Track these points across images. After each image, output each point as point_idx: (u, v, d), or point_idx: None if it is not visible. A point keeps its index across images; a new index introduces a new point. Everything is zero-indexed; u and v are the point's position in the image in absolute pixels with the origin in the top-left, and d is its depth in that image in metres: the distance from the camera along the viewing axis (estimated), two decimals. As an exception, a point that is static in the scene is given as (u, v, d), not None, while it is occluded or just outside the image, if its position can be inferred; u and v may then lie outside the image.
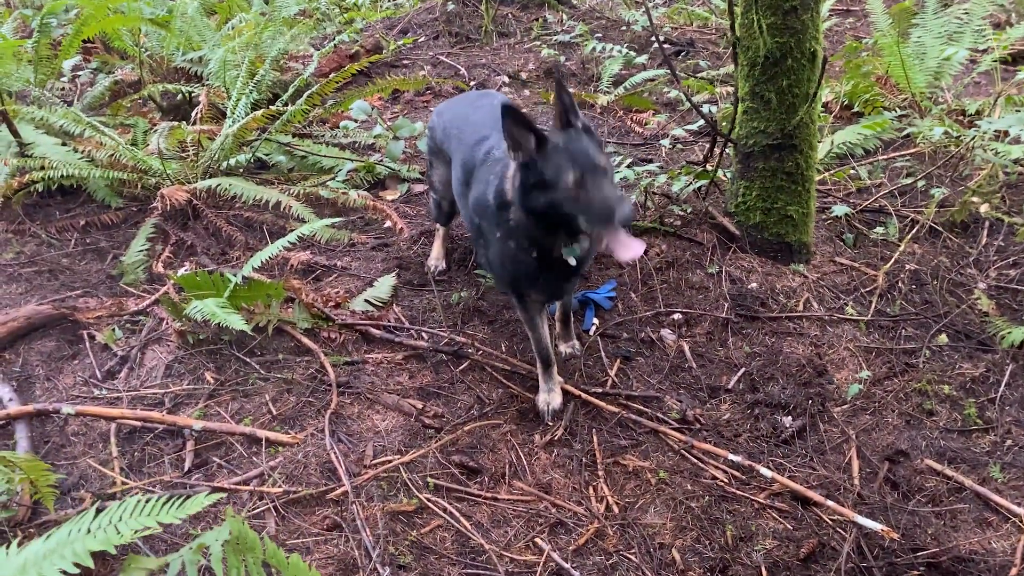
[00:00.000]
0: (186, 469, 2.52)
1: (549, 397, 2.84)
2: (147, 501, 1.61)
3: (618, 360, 3.08)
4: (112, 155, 4.12)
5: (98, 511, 1.63)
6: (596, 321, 3.21)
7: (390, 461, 2.56)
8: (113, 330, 3.20)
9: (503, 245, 2.63)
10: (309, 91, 4.29)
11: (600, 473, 2.62)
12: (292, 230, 3.90)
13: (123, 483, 2.44)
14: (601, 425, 2.81)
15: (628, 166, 3.91)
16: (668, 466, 2.66)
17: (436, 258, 3.64)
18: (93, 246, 3.92)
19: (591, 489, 2.57)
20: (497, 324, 3.25)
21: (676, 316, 3.27)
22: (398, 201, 4.37)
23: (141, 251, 3.75)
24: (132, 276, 3.64)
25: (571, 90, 5.55)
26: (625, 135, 5.05)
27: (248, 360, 3.05)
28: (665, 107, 5.51)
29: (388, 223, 4.03)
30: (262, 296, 3.19)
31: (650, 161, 4.61)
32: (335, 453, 2.56)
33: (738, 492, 2.56)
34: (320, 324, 3.23)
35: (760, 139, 3.31)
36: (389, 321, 3.28)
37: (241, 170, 4.32)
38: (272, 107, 4.12)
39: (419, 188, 4.49)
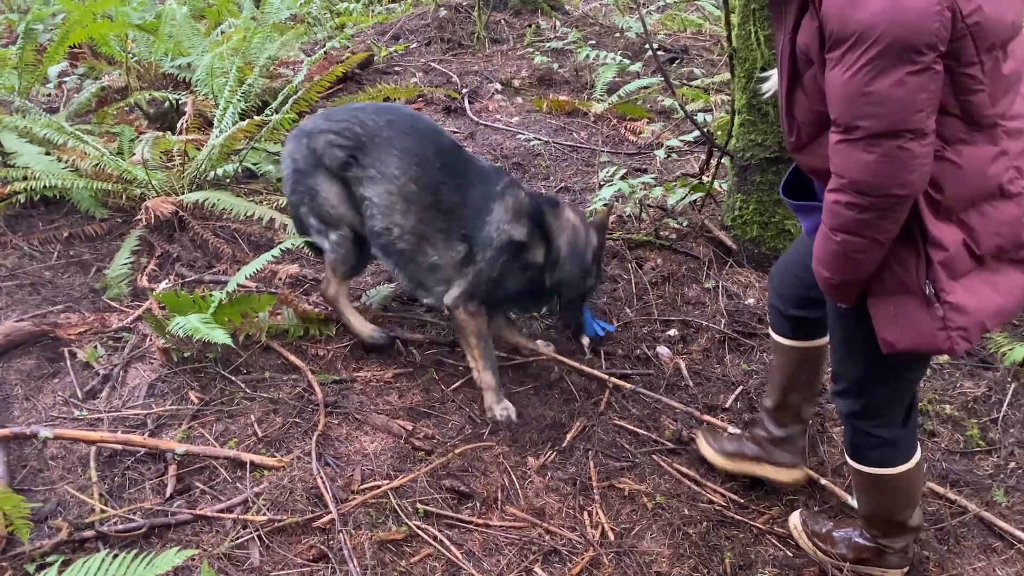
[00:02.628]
0: (168, 495, 2.43)
1: (505, 406, 2.84)
2: (113, 558, 1.52)
3: (612, 378, 3.01)
4: (97, 165, 4.03)
5: (62, 570, 1.55)
6: (586, 341, 3.13)
7: (379, 486, 2.49)
8: (95, 347, 3.12)
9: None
10: (294, 97, 4.22)
11: (595, 497, 2.55)
12: (280, 243, 3.84)
13: (102, 511, 2.35)
14: (595, 446, 2.74)
15: (622, 177, 3.84)
16: (665, 489, 2.60)
17: (370, 329, 3.12)
18: (76, 259, 3.83)
19: (586, 514, 2.50)
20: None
21: (672, 332, 3.21)
22: (389, 212, 4.29)
23: (125, 264, 3.67)
24: (116, 290, 3.55)
25: (564, 98, 5.52)
26: (619, 144, 4.99)
27: (233, 379, 2.97)
28: (659, 115, 5.46)
29: (378, 235, 3.96)
30: (248, 309, 3.12)
31: (644, 171, 4.55)
32: (322, 478, 2.48)
33: (736, 517, 2.50)
34: (315, 329, 3.16)
35: (757, 152, 3.25)
36: (384, 327, 3.21)
37: (228, 180, 4.24)
38: (260, 116, 4.04)
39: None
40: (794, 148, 1.80)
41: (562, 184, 4.47)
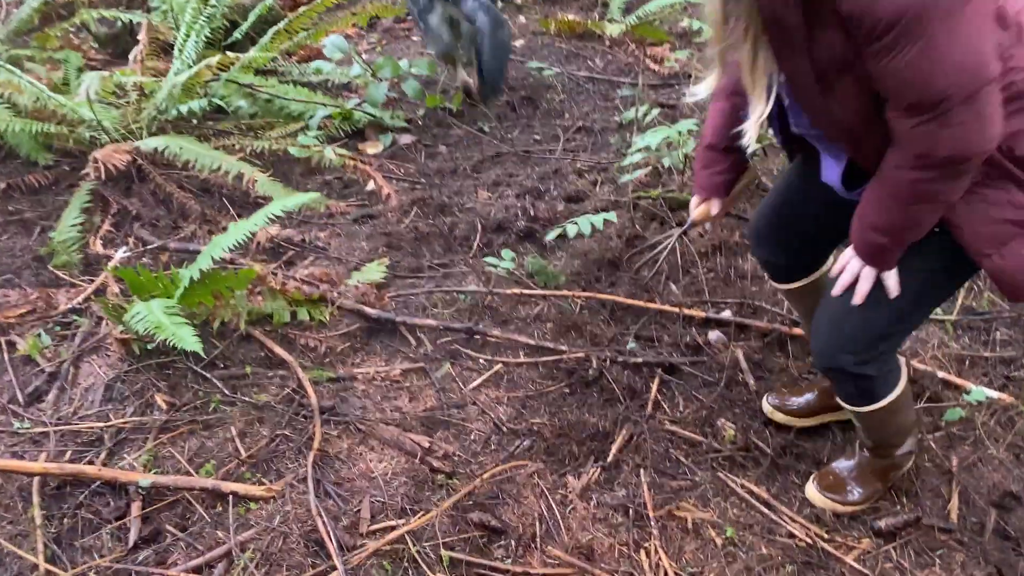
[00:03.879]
0: (131, 544, 1.95)
1: None
2: None
3: (659, 372, 2.55)
4: (38, 101, 3.41)
5: None
6: None
7: (393, 527, 2.03)
8: (39, 335, 2.59)
9: None
10: (275, 28, 3.59)
11: (652, 530, 2.11)
12: (256, 196, 3.30)
13: (47, 570, 1.88)
14: (646, 460, 2.30)
15: (657, 121, 3.30)
16: (734, 518, 2.16)
17: None
18: (16, 217, 3.26)
19: (643, 553, 2.07)
20: (512, 326, 2.69)
21: (726, 314, 2.73)
22: (382, 156, 3.73)
23: (74, 225, 3.11)
24: (64, 258, 3.00)
25: (573, 17, 4.88)
26: (641, 74, 4.40)
27: (208, 375, 2.47)
28: (680, 39, 4.85)
29: (371, 186, 3.41)
30: (222, 288, 2.60)
31: (672, 108, 4.00)
32: (322, 517, 2.01)
33: (823, 554, 2.08)
34: (303, 311, 2.65)
35: None
36: (386, 309, 2.71)
37: (194, 120, 3.64)
38: (229, 53, 3.41)
39: (406, 140, 3.85)
40: (853, 153, 1.67)
41: (580, 123, 3.92)
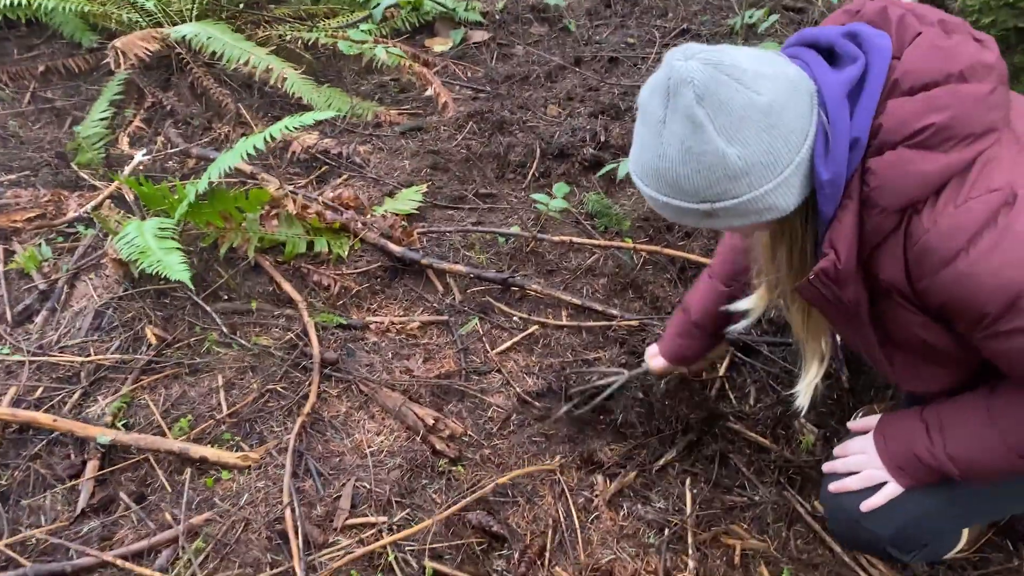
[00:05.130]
0: (78, 511, 1.72)
1: None
2: None
3: (730, 352, 2.09)
4: (82, -25, 3.12)
5: None
6: None
7: (372, 525, 1.71)
8: (39, 247, 2.37)
9: None
10: None
11: (689, 559, 1.72)
12: (298, 96, 2.93)
13: (-21, 539, 1.67)
14: (697, 464, 1.88)
15: (776, 29, 2.69)
16: (795, 553, 1.74)
17: None
18: (50, 104, 3.02)
19: (674, 585, 1.69)
20: (557, 279, 2.27)
21: (825, 285, 2.21)
22: (448, 55, 3.27)
23: (103, 119, 2.85)
24: (88, 155, 2.76)
25: None
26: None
27: (208, 309, 2.18)
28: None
29: (430, 91, 2.98)
30: (231, 209, 2.28)
31: (801, 11, 3.33)
32: (293, 506, 1.71)
33: (904, 616, 1.64)
34: (321, 242, 2.32)
35: (1003, 16, 2.05)
36: (413, 247, 2.33)
37: (241, 5, 3.26)
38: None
39: (479, 37, 3.36)
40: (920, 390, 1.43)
41: (683, 25, 3.32)
